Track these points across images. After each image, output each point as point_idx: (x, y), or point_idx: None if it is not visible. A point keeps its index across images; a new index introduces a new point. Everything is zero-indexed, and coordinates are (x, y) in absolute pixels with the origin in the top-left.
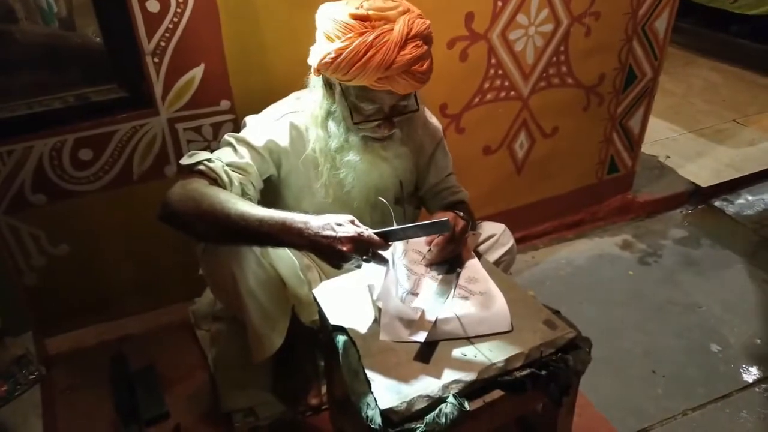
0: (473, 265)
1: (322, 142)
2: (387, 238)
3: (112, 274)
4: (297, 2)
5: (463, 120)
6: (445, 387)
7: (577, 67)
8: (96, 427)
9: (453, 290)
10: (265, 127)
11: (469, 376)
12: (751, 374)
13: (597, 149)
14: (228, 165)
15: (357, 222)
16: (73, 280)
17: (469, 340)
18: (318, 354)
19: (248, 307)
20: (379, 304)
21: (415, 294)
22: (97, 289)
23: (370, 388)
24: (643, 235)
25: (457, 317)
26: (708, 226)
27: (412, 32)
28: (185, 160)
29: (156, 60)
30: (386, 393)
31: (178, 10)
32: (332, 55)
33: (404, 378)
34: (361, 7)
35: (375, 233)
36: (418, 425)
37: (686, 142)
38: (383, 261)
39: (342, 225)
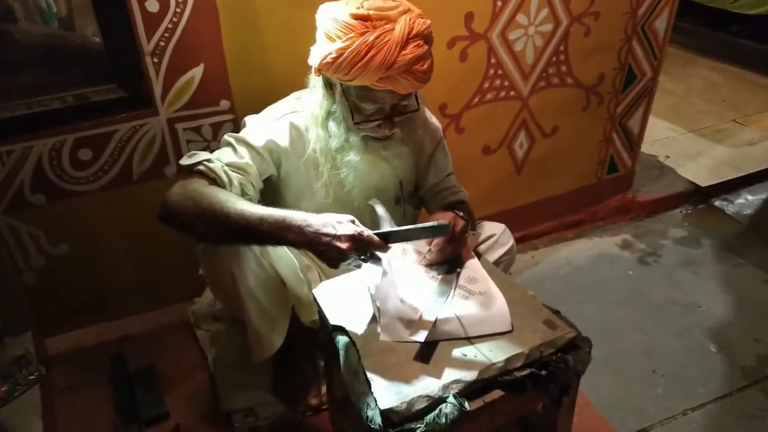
0: (473, 265)
1: (323, 142)
2: (387, 240)
3: (112, 274)
4: (297, 2)
5: (463, 120)
6: (445, 387)
7: (576, 66)
8: (96, 427)
9: (453, 290)
10: (265, 127)
11: (469, 376)
12: (751, 374)
13: (597, 149)
14: (227, 165)
15: (357, 222)
16: (73, 280)
17: (469, 340)
18: (318, 354)
19: (248, 307)
20: (379, 304)
21: (415, 294)
22: (97, 289)
23: (370, 388)
24: (643, 234)
25: (457, 317)
26: (708, 226)
27: (413, 32)
28: (185, 161)
29: (155, 60)
30: (386, 393)
31: (178, 10)
32: (333, 55)
33: (404, 378)
34: (362, 6)
35: (375, 234)
36: (418, 425)
37: (686, 141)
38: (380, 262)
39: (342, 223)
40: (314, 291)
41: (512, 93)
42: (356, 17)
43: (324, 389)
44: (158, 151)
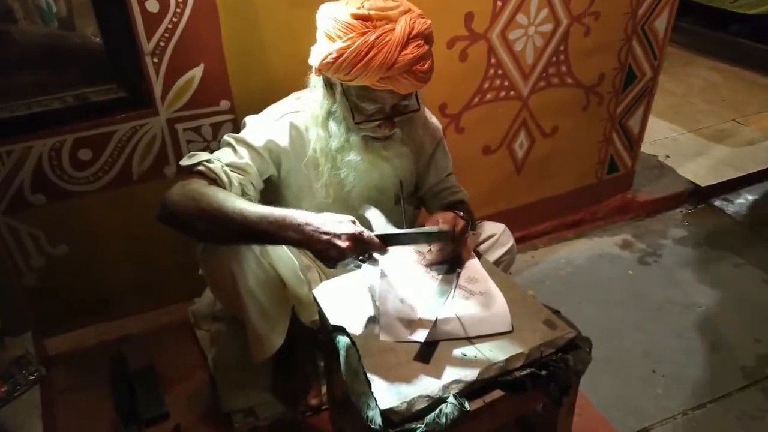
0: (473, 265)
1: (323, 142)
2: (386, 242)
3: (112, 275)
4: (297, 2)
5: (463, 120)
6: (446, 387)
7: (576, 66)
8: (96, 427)
9: (453, 290)
10: (265, 127)
11: (469, 376)
12: (751, 374)
13: (597, 149)
14: (227, 165)
15: (357, 223)
16: (73, 280)
17: (469, 340)
18: (318, 354)
19: (248, 307)
20: (379, 305)
21: (415, 294)
22: (97, 289)
23: (370, 388)
24: (643, 234)
25: (457, 317)
26: (708, 226)
27: (414, 32)
28: (185, 161)
29: (155, 60)
30: (386, 393)
31: (178, 10)
32: (334, 55)
33: (404, 378)
34: (363, 6)
35: (375, 235)
36: (419, 425)
37: (686, 141)
38: (378, 263)
39: (342, 223)
40: (314, 291)
41: (512, 93)
42: (357, 17)
43: (324, 389)
44: (158, 151)
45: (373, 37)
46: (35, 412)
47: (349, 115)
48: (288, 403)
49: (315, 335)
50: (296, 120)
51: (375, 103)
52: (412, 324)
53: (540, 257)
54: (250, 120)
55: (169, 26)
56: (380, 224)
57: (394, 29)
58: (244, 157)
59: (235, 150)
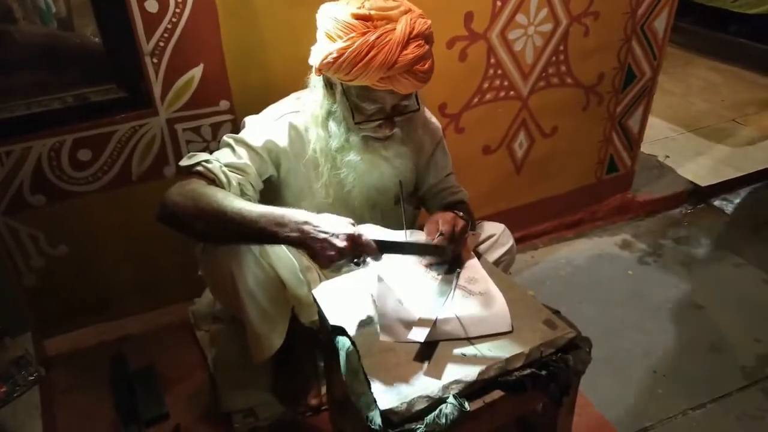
0: (473, 265)
1: (323, 142)
2: (382, 249)
3: (112, 275)
4: (296, 1)
5: (463, 120)
6: (445, 387)
7: (576, 66)
8: (96, 427)
9: (453, 290)
10: (264, 127)
11: (469, 377)
12: (751, 374)
13: (596, 149)
14: (226, 165)
15: (356, 225)
16: (73, 280)
17: (469, 340)
18: (318, 354)
19: (247, 308)
20: (378, 305)
21: (415, 294)
22: (97, 290)
23: (370, 388)
24: (643, 234)
25: (457, 317)
26: (707, 226)
27: (414, 32)
28: (184, 162)
29: (155, 60)
30: (386, 393)
31: (177, 10)
32: (334, 55)
33: (404, 378)
34: (363, 6)
35: (373, 240)
36: (418, 426)
37: (685, 141)
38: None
39: (341, 223)
40: (314, 291)
41: (512, 93)
42: (357, 17)
43: (324, 389)
44: (158, 151)
45: (373, 37)
46: (35, 412)
47: (349, 115)
48: (288, 404)
49: (315, 335)
50: (295, 120)
51: (375, 103)
52: (411, 324)
53: (540, 257)
54: (249, 120)
55: (169, 26)
56: (379, 232)
57: (395, 29)
58: (243, 157)
59: (234, 150)
